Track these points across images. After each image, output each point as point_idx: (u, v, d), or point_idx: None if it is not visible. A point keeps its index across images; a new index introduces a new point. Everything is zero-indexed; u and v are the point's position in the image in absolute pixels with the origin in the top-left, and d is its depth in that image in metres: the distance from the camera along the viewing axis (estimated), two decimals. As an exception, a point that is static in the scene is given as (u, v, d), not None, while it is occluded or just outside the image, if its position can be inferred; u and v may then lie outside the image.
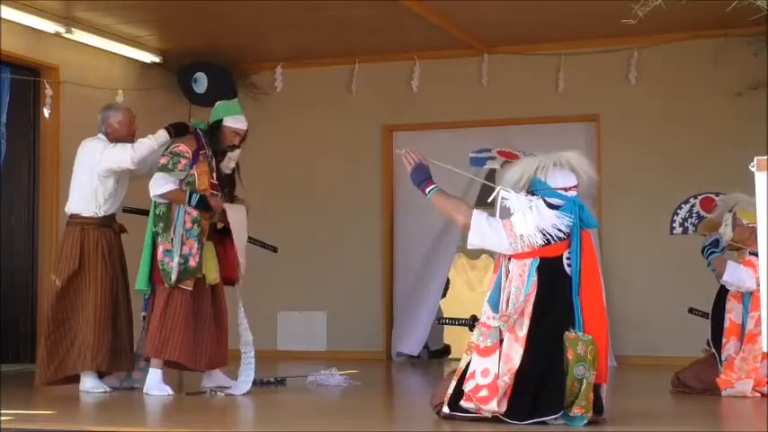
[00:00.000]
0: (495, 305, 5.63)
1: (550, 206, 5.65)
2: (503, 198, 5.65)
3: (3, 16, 9.25)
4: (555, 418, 5.47)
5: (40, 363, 7.51)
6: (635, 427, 5.80)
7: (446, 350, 11.80)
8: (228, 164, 7.64)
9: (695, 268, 8.36)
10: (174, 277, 7.26)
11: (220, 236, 7.59)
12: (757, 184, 4.86)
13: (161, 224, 7.36)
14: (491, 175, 7.04)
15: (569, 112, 10.90)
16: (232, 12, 9.75)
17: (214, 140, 7.55)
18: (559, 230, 5.58)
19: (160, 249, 7.32)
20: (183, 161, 7.37)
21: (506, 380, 5.46)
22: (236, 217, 7.57)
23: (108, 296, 7.49)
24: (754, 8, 6.86)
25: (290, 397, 7.59)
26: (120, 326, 7.54)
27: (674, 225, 8.01)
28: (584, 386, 5.45)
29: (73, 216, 7.59)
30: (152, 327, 7.33)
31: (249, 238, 7.97)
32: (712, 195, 7.93)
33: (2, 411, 6.12)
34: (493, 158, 5.99)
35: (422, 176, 5.87)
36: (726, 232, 7.44)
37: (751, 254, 7.21)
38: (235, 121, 7.59)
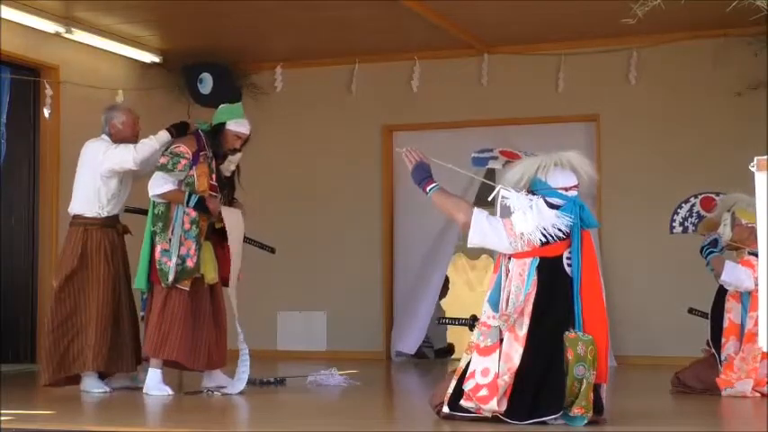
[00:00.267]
0: (495, 304, 5.63)
1: (551, 206, 5.65)
2: (503, 197, 5.65)
3: (3, 16, 9.26)
4: (555, 418, 5.47)
5: (42, 363, 7.51)
6: (635, 427, 5.80)
7: (450, 349, 11.82)
8: (229, 166, 7.64)
9: (695, 268, 8.36)
10: (171, 277, 7.26)
11: (219, 236, 7.59)
12: (757, 184, 4.86)
13: (159, 224, 7.36)
14: (491, 175, 7.04)
15: (569, 112, 10.90)
16: (232, 12, 9.75)
17: (216, 143, 7.55)
18: (559, 230, 5.58)
19: (158, 249, 7.32)
20: (183, 162, 7.37)
21: (506, 379, 5.46)
22: (233, 221, 7.58)
23: (110, 296, 7.49)
24: (754, 8, 6.86)
25: (290, 397, 7.59)
26: (122, 326, 7.54)
27: (673, 224, 8.01)
28: (584, 386, 5.45)
29: (76, 217, 7.60)
30: (150, 326, 7.34)
31: (247, 238, 7.97)
32: (712, 195, 7.93)
33: (2, 411, 6.12)
34: (495, 158, 6.00)
35: (423, 175, 5.88)
36: (725, 232, 7.44)
37: (750, 254, 7.21)
38: (238, 125, 7.59)
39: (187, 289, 7.33)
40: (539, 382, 5.46)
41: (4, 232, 9.81)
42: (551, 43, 10.86)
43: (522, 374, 5.46)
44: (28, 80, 9.90)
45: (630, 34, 9.49)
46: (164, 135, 7.54)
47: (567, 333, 5.50)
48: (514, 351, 5.50)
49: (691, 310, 8.44)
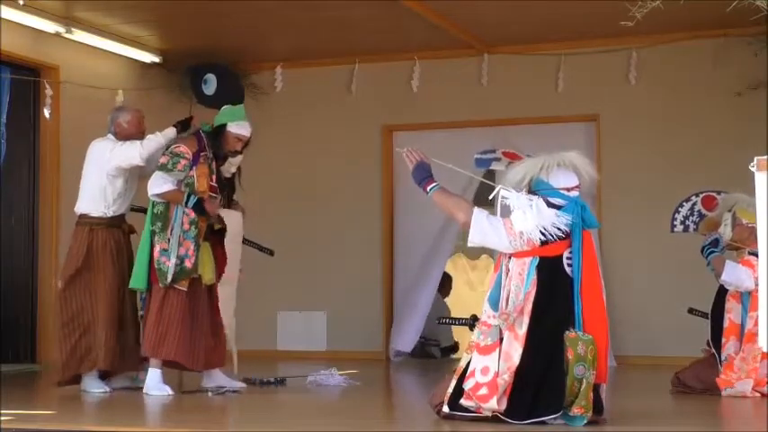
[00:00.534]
0: (495, 303, 5.64)
1: (553, 206, 5.66)
2: (503, 197, 5.66)
3: (3, 16, 9.26)
4: (554, 418, 5.47)
5: (56, 363, 7.52)
6: (635, 427, 5.80)
7: (456, 347, 11.85)
8: (229, 168, 7.65)
9: (695, 268, 8.36)
10: (169, 277, 7.26)
11: (218, 237, 7.59)
12: (757, 184, 4.86)
13: (158, 223, 7.36)
14: (490, 175, 7.04)
15: (569, 112, 10.90)
16: (232, 12, 9.75)
17: (217, 144, 7.55)
18: (558, 229, 5.59)
19: (157, 249, 7.32)
20: (183, 162, 7.37)
21: (506, 378, 5.47)
22: (230, 224, 7.59)
23: (116, 296, 7.50)
24: (754, 8, 6.86)
25: (290, 397, 7.60)
26: (127, 326, 7.55)
27: (675, 223, 8.03)
28: (583, 386, 5.45)
29: (82, 216, 7.60)
30: (148, 326, 7.34)
31: (247, 240, 7.98)
32: (714, 194, 7.93)
33: (2, 411, 6.12)
34: (498, 159, 6.02)
35: (423, 174, 5.89)
36: (725, 232, 7.44)
37: (750, 254, 7.21)
38: (239, 127, 7.60)
39: (185, 289, 7.33)
40: (538, 381, 5.46)
41: (4, 232, 9.81)
42: (551, 43, 10.86)
43: (521, 373, 5.46)
44: (28, 80, 9.90)
45: (630, 34, 9.48)
46: (170, 131, 7.55)
47: (567, 333, 5.51)
48: (514, 350, 5.51)
49: (691, 311, 8.44)
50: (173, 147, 7.45)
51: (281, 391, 7.84)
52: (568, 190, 5.72)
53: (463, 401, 5.59)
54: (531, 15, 9.96)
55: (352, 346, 11.17)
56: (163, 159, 7.40)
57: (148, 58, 11.04)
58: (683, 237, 8.29)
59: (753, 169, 4.87)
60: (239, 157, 7.66)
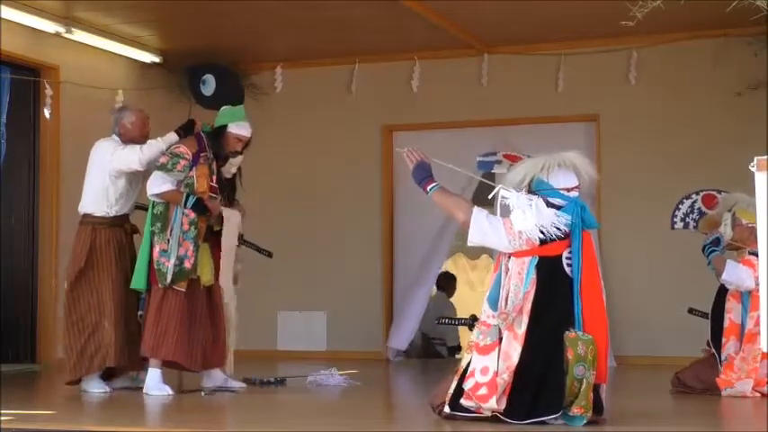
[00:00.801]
0: (494, 303, 5.64)
1: (552, 206, 5.66)
2: (502, 197, 5.66)
3: (3, 16, 9.26)
4: (555, 418, 5.47)
5: (66, 362, 7.53)
6: (635, 427, 5.80)
7: (461, 346, 11.88)
8: (230, 169, 7.65)
9: (695, 268, 8.36)
10: (169, 278, 7.26)
11: (217, 238, 7.58)
12: (757, 184, 4.86)
13: (158, 224, 7.36)
14: (490, 175, 7.04)
15: (569, 112, 10.90)
16: (232, 12, 9.75)
17: (217, 145, 7.55)
18: (557, 229, 5.59)
19: (156, 249, 7.32)
20: (183, 162, 7.37)
21: (505, 377, 5.47)
22: (228, 222, 7.58)
23: (121, 294, 7.50)
24: (754, 8, 6.86)
25: (290, 397, 7.60)
26: (131, 325, 7.56)
27: (675, 220, 8.01)
28: (583, 386, 5.45)
29: (85, 216, 7.61)
30: (147, 326, 7.35)
31: (246, 242, 7.97)
32: (715, 192, 7.92)
33: (2, 411, 6.12)
34: (500, 162, 6.03)
35: (423, 174, 5.89)
36: (725, 232, 7.43)
37: (751, 253, 7.20)
38: (239, 128, 7.59)
39: (183, 290, 7.33)
40: (538, 380, 5.46)
41: (4, 232, 9.81)
42: (551, 43, 10.86)
43: (521, 373, 5.47)
44: (28, 80, 9.90)
45: (630, 34, 9.48)
46: (171, 136, 7.54)
47: (567, 333, 5.50)
48: (513, 349, 5.51)
49: (691, 311, 8.44)
50: (172, 147, 7.45)
51: (281, 391, 7.84)
52: (568, 190, 5.73)
53: (463, 402, 5.59)
54: (531, 15, 9.96)
55: (352, 346, 11.17)
56: (162, 159, 7.40)
57: (148, 58, 11.05)
58: (683, 237, 8.28)
59: (753, 169, 4.87)
60: (239, 158, 7.66)
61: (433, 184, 5.86)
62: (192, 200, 7.32)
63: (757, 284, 6.84)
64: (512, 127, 11.00)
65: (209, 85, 7.79)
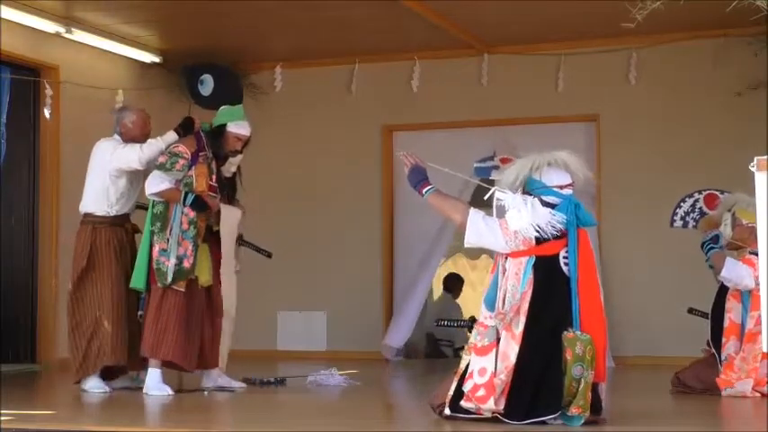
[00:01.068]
0: (491, 304, 5.65)
1: (548, 205, 5.66)
2: (497, 199, 5.66)
3: (3, 16, 9.26)
4: (553, 418, 5.47)
5: (72, 363, 7.53)
6: (635, 427, 5.80)
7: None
8: (229, 168, 7.65)
9: (695, 268, 8.37)
10: (169, 278, 7.26)
11: (216, 239, 7.58)
12: (757, 184, 4.86)
13: (158, 223, 7.36)
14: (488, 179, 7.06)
15: (569, 112, 10.90)
16: (232, 12, 9.75)
17: (216, 144, 7.55)
18: (553, 227, 5.59)
19: (156, 249, 7.32)
20: (182, 161, 7.37)
21: (503, 378, 5.47)
22: (227, 219, 7.59)
23: (121, 293, 7.50)
24: (754, 8, 6.87)
25: (290, 397, 7.60)
26: (132, 324, 7.56)
27: (675, 218, 8.01)
28: (582, 386, 5.45)
29: (86, 215, 7.61)
30: (147, 326, 7.35)
31: (245, 242, 7.97)
32: (717, 192, 7.92)
33: (2, 411, 6.12)
34: (497, 167, 6.04)
35: (419, 177, 5.91)
36: (725, 232, 7.43)
37: (751, 253, 7.20)
38: (238, 127, 7.59)
39: (182, 290, 7.33)
40: (537, 380, 5.46)
41: (4, 232, 9.81)
42: (551, 43, 10.86)
43: (519, 373, 5.47)
44: (28, 80, 9.90)
45: (630, 34, 9.48)
46: (171, 135, 7.54)
47: (565, 333, 5.50)
48: (511, 349, 5.51)
49: (690, 310, 8.44)
50: (171, 146, 7.45)
51: (281, 391, 7.84)
52: (561, 188, 5.73)
53: (463, 403, 5.59)
54: (531, 15, 9.96)
55: (351, 346, 11.17)
56: (161, 159, 7.40)
57: (148, 58, 11.05)
58: (683, 237, 8.28)
59: (753, 169, 4.87)
60: (239, 157, 7.66)
61: (429, 186, 5.87)
62: (191, 197, 7.32)
63: (757, 284, 6.84)
64: (512, 127, 11.00)
65: (207, 86, 7.79)
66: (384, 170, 11.42)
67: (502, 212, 5.67)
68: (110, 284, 7.48)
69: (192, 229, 7.35)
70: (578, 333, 5.51)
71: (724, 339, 7.32)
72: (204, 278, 7.47)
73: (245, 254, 8.04)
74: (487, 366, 5.53)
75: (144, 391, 7.30)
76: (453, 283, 12.89)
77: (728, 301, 7.36)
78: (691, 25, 10.16)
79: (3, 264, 9.72)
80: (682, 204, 8.01)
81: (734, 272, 7.26)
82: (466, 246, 5.81)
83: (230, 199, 7.74)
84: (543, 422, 5.45)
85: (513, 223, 5.60)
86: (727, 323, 7.33)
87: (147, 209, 7.55)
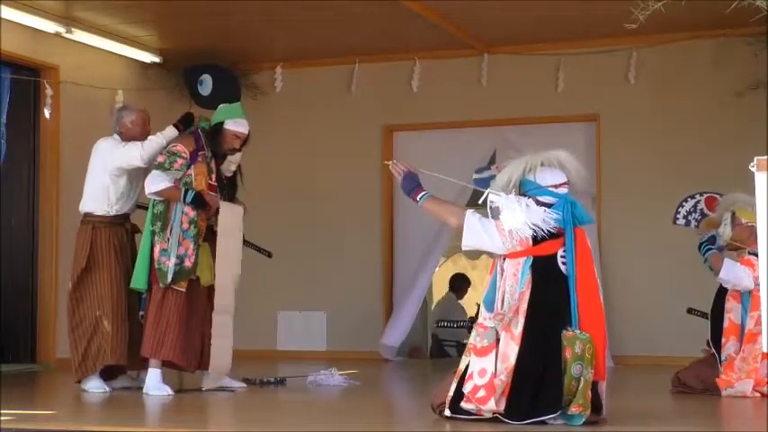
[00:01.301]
0: (490, 305, 5.64)
1: (544, 205, 5.66)
2: (491, 201, 5.66)
3: (3, 16, 9.26)
4: (554, 418, 5.47)
5: (72, 363, 7.53)
6: (635, 427, 5.80)
7: None
8: (229, 167, 7.64)
9: (695, 268, 8.35)
10: (170, 277, 7.26)
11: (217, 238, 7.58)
12: (757, 184, 4.86)
13: (158, 223, 7.36)
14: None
15: (569, 112, 10.90)
16: (232, 12, 9.75)
17: (215, 142, 7.54)
18: (548, 224, 5.59)
19: (157, 249, 7.32)
20: (180, 161, 7.36)
21: (503, 378, 5.47)
22: (231, 216, 7.58)
23: (121, 292, 7.50)
24: (754, 8, 6.87)
25: (290, 397, 7.60)
26: (132, 323, 7.56)
27: (677, 216, 8.01)
28: (581, 384, 5.45)
29: (86, 215, 7.62)
30: (147, 327, 7.35)
31: (245, 241, 7.96)
32: (717, 195, 7.93)
33: (2, 411, 6.12)
34: (495, 177, 6.03)
35: (412, 185, 5.90)
36: (725, 231, 7.43)
37: (750, 253, 7.20)
38: (236, 125, 7.58)
39: (183, 290, 7.33)
40: (537, 380, 5.46)
41: (4, 232, 9.81)
42: (551, 43, 10.86)
43: (519, 373, 5.46)
44: (28, 80, 9.90)
45: (630, 34, 9.48)
46: (170, 131, 7.54)
47: (564, 332, 5.50)
48: (511, 350, 5.51)
49: (690, 311, 8.44)
50: (170, 146, 7.45)
51: (281, 391, 7.84)
52: (556, 187, 5.73)
53: (463, 405, 5.59)
54: (531, 15, 9.96)
55: (351, 346, 11.17)
56: (160, 158, 7.40)
57: (148, 58, 11.05)
58: (683, 237, 8.27)
59: (753, 169, 4.87)
60: (238, 155, 7.65)
61: (423, 193, 5.86)
62: (191, 194, 7.32)
63: (757, 284, 6.85)
64: (512, 127, 11.01)
65: (206, 85, 7.78)
66: (384, 170, 11.39)
67: (496, 214, 5.67)
68: (110, 284, 7.48)
69: (193, 228, 7.35)
70: (577, 332, 5.51)
71: (724, 340, 7.32)
72: (205, 278, 7.47)
73: (245, 254, 8.03)
74: (487, 367, 5.53)
75: (144, 391, 7.30)
76: (459, 284, 12.90)
77: (728, 302, 7.36)
78: (691, 25, 10.16)
79: (3, 264, 9.72)
80: (684, 204, 8.02)
81: (732, 273, 7.26)
82: (464, 249, 5.81)
83: (231, 198, 7.73)
84: (543, 422, 5.45)
85: (508, 223, 5.60)
86: (726, 323, 7.33)
87: (147, 209, 7.55)
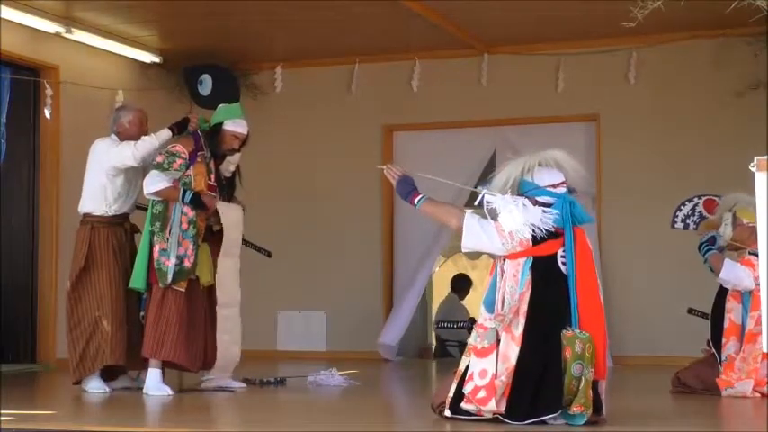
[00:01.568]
0: (490, 306, 5.64)
1: (542, 205, 5.66)
2: (487, 202, 5.66)
3: (3, 16, 9.26)
4: (554, 418, 5.47)
5: (70, 363, 7.54)
6: (635, 427, 5.80)
7: None
8: (228, 167, 7.64)
9: (695, 268, 8.35)
10: (170, 278, 7.25)
11: (217, 239, 7.58)
12: (757, 184, 4.86)
13: (158, 223, 7.36)
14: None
15: (569, 112, 10.90)
16: (232, 12, 9.76)
17: (214, 143, 7.54)
18: (547, 224, 5.58)
19: (156, 249, 7.32)
20: (179, 161, 7.36)
21: (503, 379, 5.47)
22: (230, 217, 7.58)
23: (120, 293, 7.50)
24: (754, 8, 6.87)
25: (290, 397, 7.60)
26: (132, 323, 7.56)
27: (675, 220, 8.01)
28: (582, 384, 5.45)
29: (85, 215, 7.61)
30: (147, 327, 7.34)
31: (245, 241, 7.96)
32: (716, 198, 7.93)
33: (2, 411, 6.12)
34: None
35: (408, 188, 5.89)
36: (726, 231, 7.43)
37: (751, 254, 7.20)
38: (235, 125, 7.58)
39: (183, 290, 7.33)
40: (537, 380, 5.46)
41: (4, 232, 9.81)
42: (551, 43, 10.86)
43: (519, 373, 5.46)
44: (28, 80, 9.90)
45: (630, 34, 9.48)
46: (164, 133, 7.54)
47: (564, 331, 5.50)
48: (511, 350, 5.51)
49: (690, 311, 8.44)
50: (169, 146, 7.45)
51: (281, 391, 7.85)
52: (554, 186, 5.73)
53: (464, 405, 5.59)
54: (531, 15, 9.96)
55: (351, 346, 11.17)
56: (159, 158, 7.40)
57: (148, 58, 11.05)
58: (683, 237, 8.27)
59: (753, 169, 4.87)
60: (237, 156, 7.66)
61: (420, 196, 5.85)
62: (189, 194, 7.31)
63: (757, 284, 6.85)
64: (512, 127, 11.01)
65: (206, 85, 7.78)
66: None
67: (494, 215, 5.67)
68: (108, 284, 7.48)
69: (192, 228, 7.34)
70: (577, 331, 5.51)
71: (724, 340, 7.32)
72: (205, 278, 7.47)
73: (245, 254, 8.03)
74: (488, 368, 5.53)
75: (144, 391, 7.30)
76: (461, 284, 12.90)
77: (729, 302, 7.36)
78: (690, 25, 10.17)
79: (3, 264, 9.72)
80: (682, 208, 8.02)
81: (732, 273, 7.26)
82: (464, 250, 5.81)
83: (230, 198, 7.74)
84: (544, 422, 5.45)
85: (507, 225, 5.59)
86: (727, 323, 7.33)
87: (146, 209, 7.55)
